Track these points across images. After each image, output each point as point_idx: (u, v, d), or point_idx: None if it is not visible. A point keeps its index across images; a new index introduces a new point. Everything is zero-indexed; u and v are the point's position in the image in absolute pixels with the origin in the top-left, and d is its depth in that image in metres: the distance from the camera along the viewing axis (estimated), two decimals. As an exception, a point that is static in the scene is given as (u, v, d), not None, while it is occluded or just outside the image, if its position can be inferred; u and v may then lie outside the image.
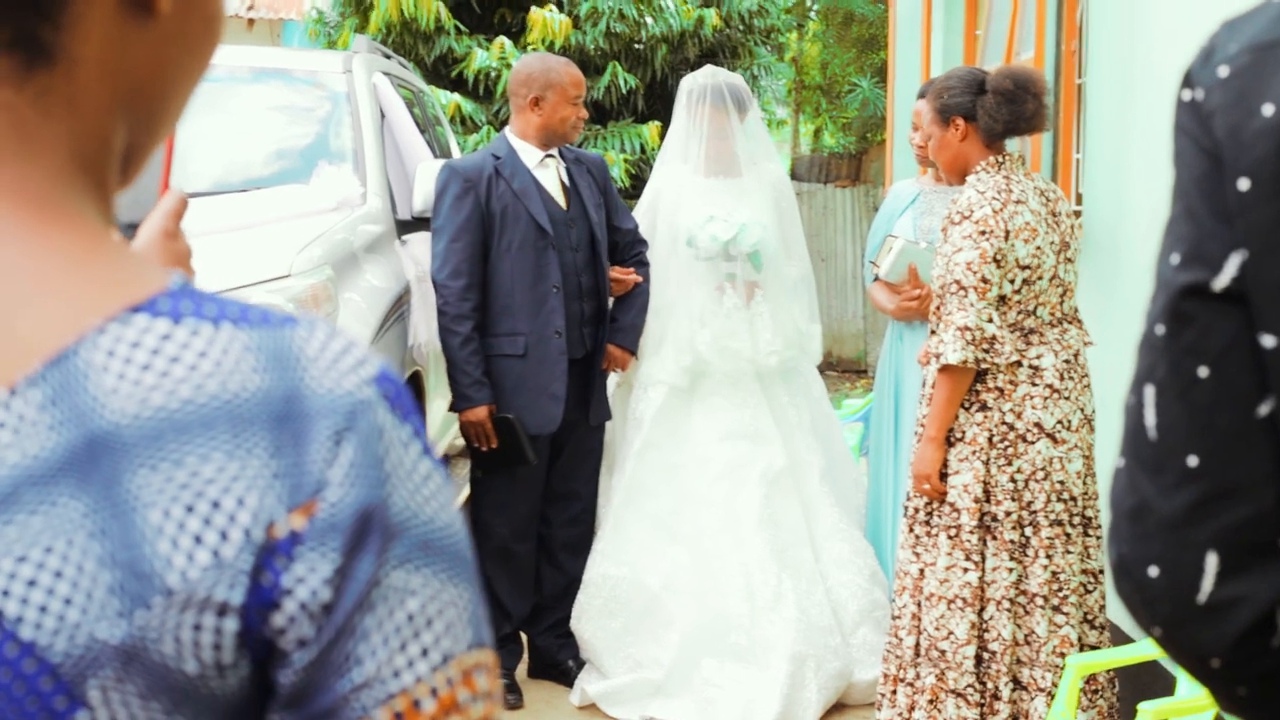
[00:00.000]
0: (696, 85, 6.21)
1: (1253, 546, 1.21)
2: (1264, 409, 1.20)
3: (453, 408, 5.81)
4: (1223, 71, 1.20)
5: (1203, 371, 1.21)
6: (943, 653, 4.66)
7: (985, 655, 4.66)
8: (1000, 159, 4.76)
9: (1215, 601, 1.22)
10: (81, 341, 0.86)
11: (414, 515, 0.89)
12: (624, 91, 12.04)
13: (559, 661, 6.04)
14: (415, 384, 5.95)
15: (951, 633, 4.65)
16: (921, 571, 4.75)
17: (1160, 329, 1.25)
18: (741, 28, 13.06)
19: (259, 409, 0.86)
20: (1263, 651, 1.23)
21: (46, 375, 0.85)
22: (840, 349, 14.68)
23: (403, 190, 6.29)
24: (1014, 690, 4.67)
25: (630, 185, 11.63)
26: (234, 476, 0.84)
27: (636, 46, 12.23)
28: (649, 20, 11.98)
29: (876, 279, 5.99)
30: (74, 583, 0.83)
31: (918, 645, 4.77)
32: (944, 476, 4.69)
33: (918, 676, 4.76)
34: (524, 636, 6.11)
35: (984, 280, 4.57)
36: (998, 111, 4.71)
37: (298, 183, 5.86)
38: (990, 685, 4.65)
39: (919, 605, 4.76)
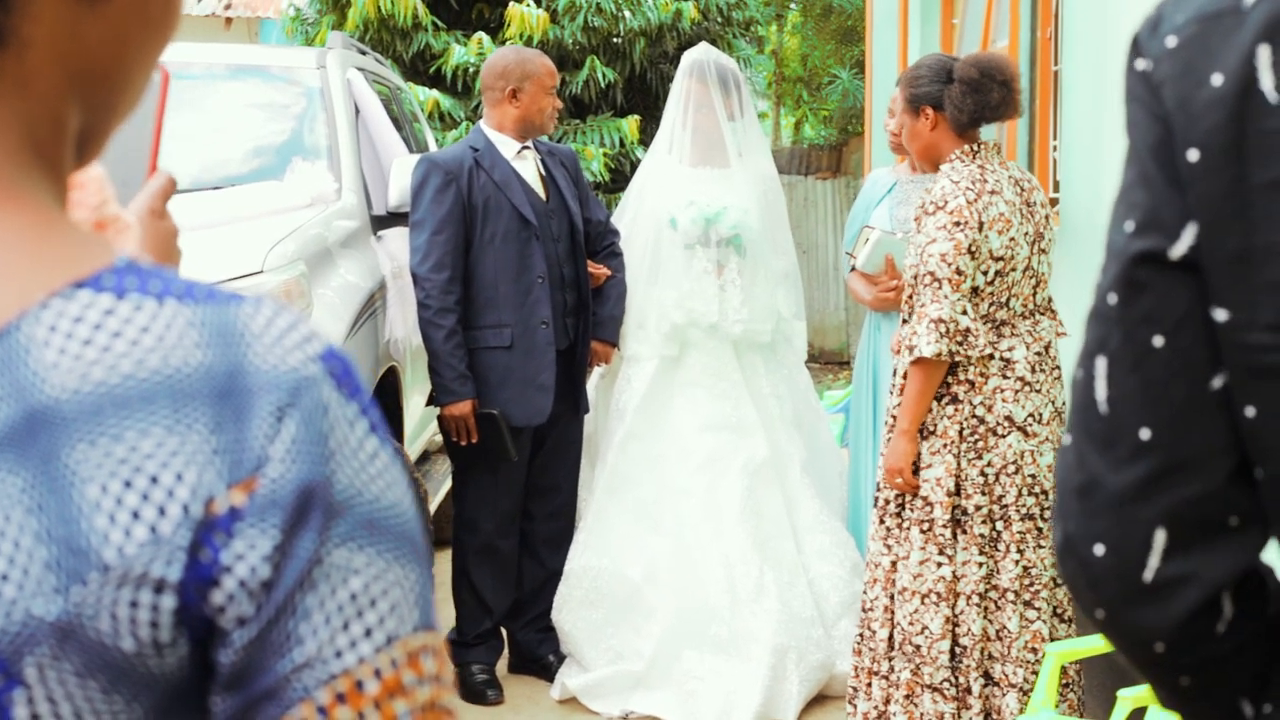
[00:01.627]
0: (685, 61, 6.27)
1: (1203, 523, 1.19)
2: (1217, 382, 1.18)
3: (435, 402, 5.79)
4: (1171, 42, 1.19)
5: (1158, 341, 1.19)
6: (917, 647, 4.65)
7: (957, 650, 4.65)
8: (975, 147, 4.74)
9: (1161, 580, 1.20)
10: (24, 317, 0.85)
11: (359, 493, 0.88)
12: (603, 86, 12.05)
13: (539, 656, 6.03)
14: (391, 380, 5.92)
15: (926, 627, 4.63)
16: (893, 564, 4.73)
17: (1113, 298, 1.22)
18: (720, 20, 13.06)
19: (200, 384, 0.85)
20: (1207, 636, 1.20)
21: None
22: (822, 340, 14.68)
23: (378, 186, 6.27)
24: (985, 685, 4.66)
25: (610, 180, 11.62)
26: (173, 452, 0.84)
27: (615, 40, 12.23)
28: (627, 14, 11.97)
29: (854, 269, 5.98)
30: (10, 559, 0.82)
31: (891, 638, 4.75)
32: (916, 470, 4.67)
33: (892, 670, 4.74)
34: (504, 632, 6.10)
35: (958, 272, 4.55)
36: (963, 101, 4.70)
37: (272, 179, 5.84)
38: (962, 680, 4.64)
39: (891, 598, 4.75)
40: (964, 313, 4.56)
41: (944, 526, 4.60)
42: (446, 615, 6.10)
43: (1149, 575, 1.20)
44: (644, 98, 12.65)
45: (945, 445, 4.62)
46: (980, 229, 4.57)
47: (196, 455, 0.84)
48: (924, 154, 4.97)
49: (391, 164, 6.21)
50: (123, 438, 0.83)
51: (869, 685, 4.83)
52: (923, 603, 4.64)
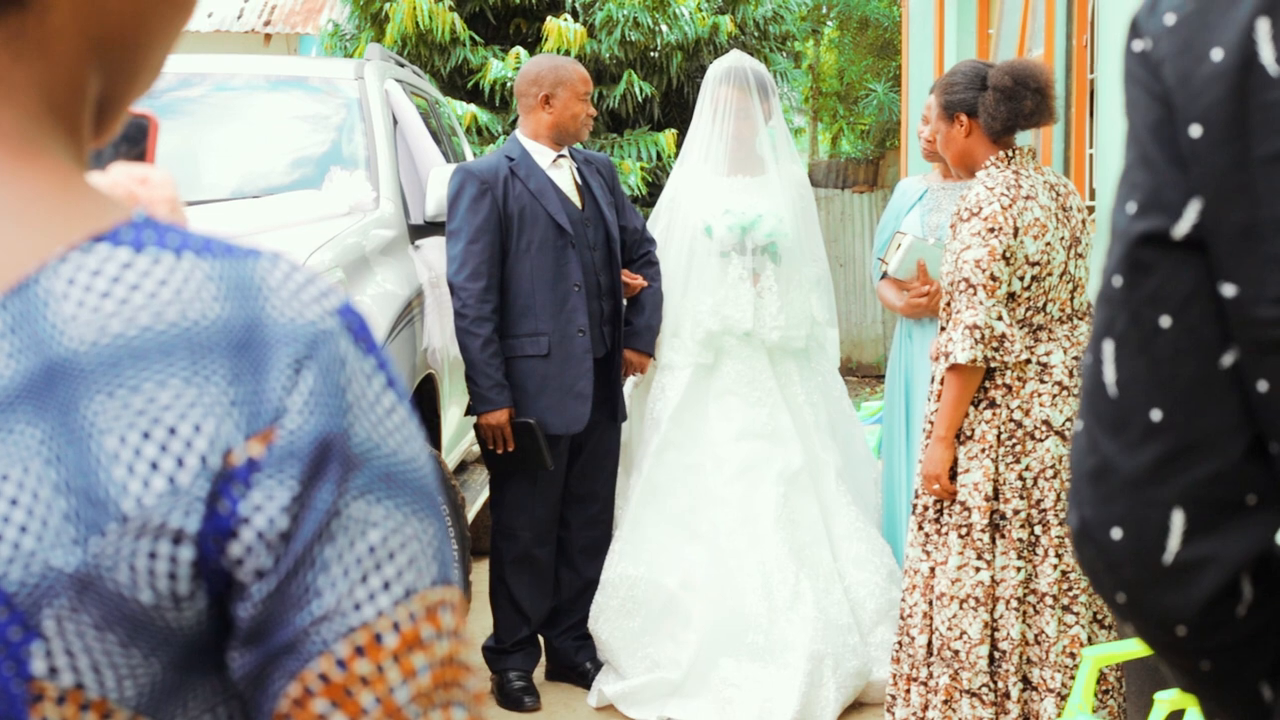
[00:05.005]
0: (721, 68, 6.20)
1: (1220, 503, 1.18)
2: (1227, 359, 1.17)
3: (471, 411, 5.80)
4: (1169, 19, 1.18)
5: (1164, 321, 1.18)
6: (956, 652, 4.63)
7: (995, 655, 4.63)
8: (1010, 153, 4.73)
9: (1182, 562, 1.19)
10: (43, 270, 0.85)
11: (376, 447, 0.88)
12: (640, 100, 12.05)
13: (577, 663, 6.03)
14: (429, 388, 5.93)
15: (964, 632, 4.62)
16: (932, 570, 4.72)
17: (1118, 280, 1.21)
18: (757, 34, 13.05)
19: (218, 336, 0.85)
20: (1229, 619, 1.20)
21: (6, 303, 0.85)
22: (859, 354, 14.64)
23: (416, 195, 6.28)
24: (1024, 690, 4.64)
25: (647, 193, 11.62)
26: (191, 403, 0.84)
27: (652, 55, 12.23)
28: (664, 28, 11.98)
29: (884, 276, 5.97)
30: (29, 510, 0.82)
31: (930, 644, 4.73)
32: (954, 475, 4.66)
33: (931, 676, 4.72)
34: (541, 639, 6.10)
35: (993, 278, 4.54)
36: (996, 109, 4.69)
37: (311, 189, 5.86)
38: (1000, 685, 4.62)
39: (930, 604, 4.73)
40: (999, 318, 4.54)
41: (982, 531, 4.59)
42: (485, 623, 6.11)
43: (1168, 558, 1.19)
44: (681, 112, 12.64)
45: (983, 450, 4.60)
46: (1015, 234, 4.56)
47: (214, 406, 0.84)
48: (959, 160, 4.95)
49: (429, 173, 6.22)
50: (140, 389, 0.84)
51: (907, 692, 4.81)
52: (961, 608, 4.62)
